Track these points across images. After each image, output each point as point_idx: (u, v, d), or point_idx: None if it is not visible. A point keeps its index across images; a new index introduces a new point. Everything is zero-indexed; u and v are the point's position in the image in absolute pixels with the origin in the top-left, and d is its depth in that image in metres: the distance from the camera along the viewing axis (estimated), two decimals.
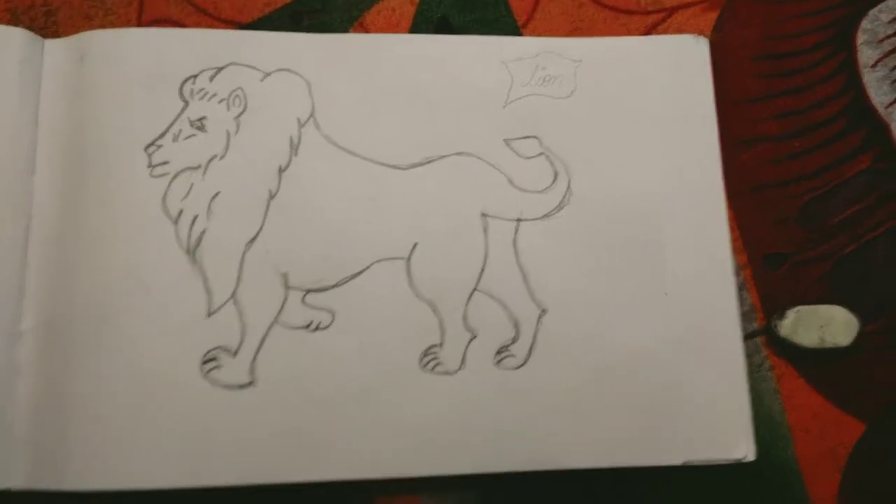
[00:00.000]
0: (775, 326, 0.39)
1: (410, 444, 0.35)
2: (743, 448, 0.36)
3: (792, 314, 0.40)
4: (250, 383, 0.35)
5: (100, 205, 0.36)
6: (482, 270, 0.37)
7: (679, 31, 0.43)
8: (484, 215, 0.38)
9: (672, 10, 0.43)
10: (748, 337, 0.39)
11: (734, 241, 0.40)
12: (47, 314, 0.35)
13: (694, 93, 0.40)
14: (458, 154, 0.39)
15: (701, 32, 0.42)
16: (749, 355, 0.38)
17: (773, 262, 0.41)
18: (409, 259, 0.37)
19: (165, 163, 0.37)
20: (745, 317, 0.39)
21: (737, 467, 0.37)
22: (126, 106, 0.37)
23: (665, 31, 0.43)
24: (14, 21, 0.40)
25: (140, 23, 0.41)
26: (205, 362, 0.35)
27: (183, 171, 0.37)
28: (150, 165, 0.37)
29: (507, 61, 0.40)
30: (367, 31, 0.42)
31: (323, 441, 0.35)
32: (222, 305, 0.36)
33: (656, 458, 0.36)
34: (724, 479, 0.38)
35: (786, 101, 0.43)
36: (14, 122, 0.37)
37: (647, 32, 0.43)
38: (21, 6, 0.41)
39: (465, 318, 0.37)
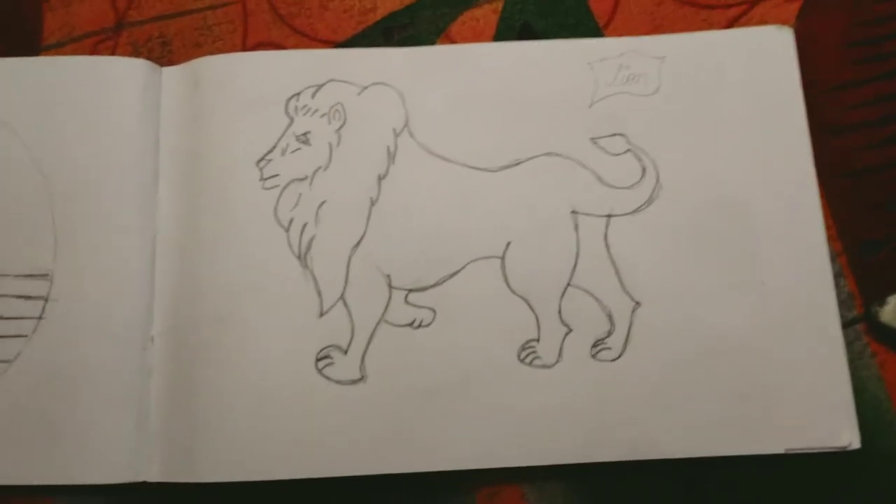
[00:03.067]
0: (876, 313, 0.38)
1: (511, 436, 0.35)
2: (847, 435, 0.35)
3: (893, 300, 0.38)
4: (361, 379, 0.36)
5: (217, 217, 0.37)
6: (575, 266, 0.37)
7: (761, 22, 0.41)
8: (574, 212, 0.38)
9: (753, 3, 0.42)
10: (847, 324, 0.38)
11: (828, 228, 0.38)
12: (174, 319, 0.37)
13: (780, 83, 0.39)
14: (547, 154, 0.38)
15: (784, 23, 0.41)
16: (849, 343, 0.37)
17: (870, 249, 0.39)
18: (503, 257, 0.37)
19: (276, 175, 0.38)
20: (844, 304, 0.38)
21: (841, 456, 0.35)
22: (237, 125, 0.38)
23: (747, 24, 0.41)
24: (135, 53, 0.42)
25: (245, 47, 0.42)
26: (319, 360, 0.36)
27: (291, 182, 0.38)
28: (262, 178, 0.38)
29: (591, 62, 0.39)
30: (453, 41, 0.42)
31: (428, 433, 0.35)
32: (332, 306, 0.36)
33: (757, 446, 0.35)
34: (827, 468, 0.36)
35: (878, 86, 0.41)
36: (139, 144, 0.38)
37: (729, 26, 0.42)
38: (140, 39, 0.43)
39: (560, 312, 0.37)
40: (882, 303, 0.38)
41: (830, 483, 0.37)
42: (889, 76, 0.41)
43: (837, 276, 0.38)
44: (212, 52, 0.41)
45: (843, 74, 0.41)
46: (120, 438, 0.35)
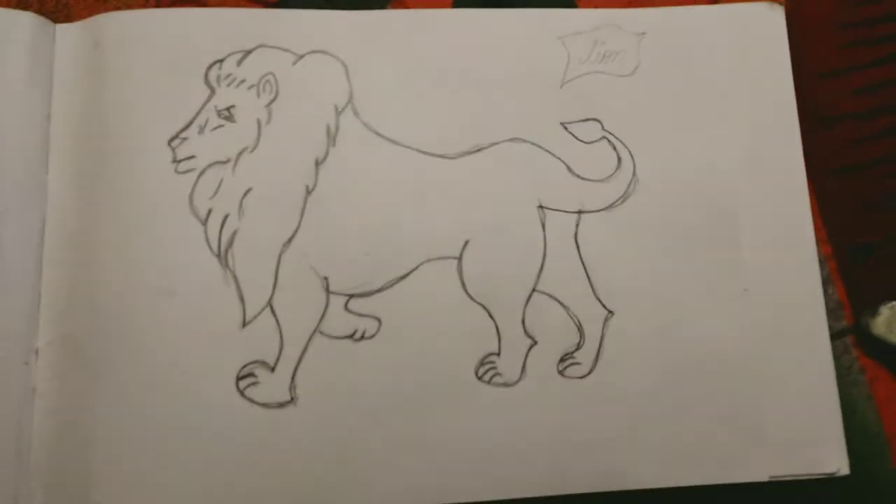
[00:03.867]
0: (866, 324, 0.36)
1: (469, 465, 0.33)
2: (835, 461, 0.33)
3: (885, 310, 0.36)
4: (291, 401, 0.33)
5: (120, 205, 0.34)
6: (541, 269, 0.34)
7: None
8: (541, 207, 0.35)
9: None
10: (836, 336, 0.36)
11: (817, 230, 0.36)
12: (65, 328, 0.33)
13: (769, 66, 0.37)
14: (512, 140, 0.36)
15: None
16: (837, 357, 0.35)
17: (861, 253, 0.37)
18: (460, 258, 0.34)
19: (192, 157, 0.34)
20: (832, 314, 0.36)
21: (828, 483, 0.34)
22: (146, 95, 0.34)
23: None
24: (22, 5, 0.37)
25: (159, 3, 0.38)
26: (240, 378, 0.33)
27: (211, 165, 0.34)
28: (175, 160, 0.34)
29: (562, 36, 0.37)
30: (406, 6, 0.38)
31: (370, 465, 0.32)
32: (258, 314, 0.33)
33: (739, 474, 0.33)
34: (814, 496, 0.34)
35: (872, 73, 0.39)
36: (24, 115, 0.34)
37: (716, 1, 0.39)
38: None
39: (524, 322, 0.34)
40: (874, 313, 0.36)
41: None
42: (881, 63, 0.39)
43: (825, 282, 0.36)
44: (118, 9, 0.37)
45: (834, 60, 0.39)
46: None
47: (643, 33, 0.37)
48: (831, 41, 0.39)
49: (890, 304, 0.35)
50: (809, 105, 0.37)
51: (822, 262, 0.36)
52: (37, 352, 0.33)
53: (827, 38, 0.39)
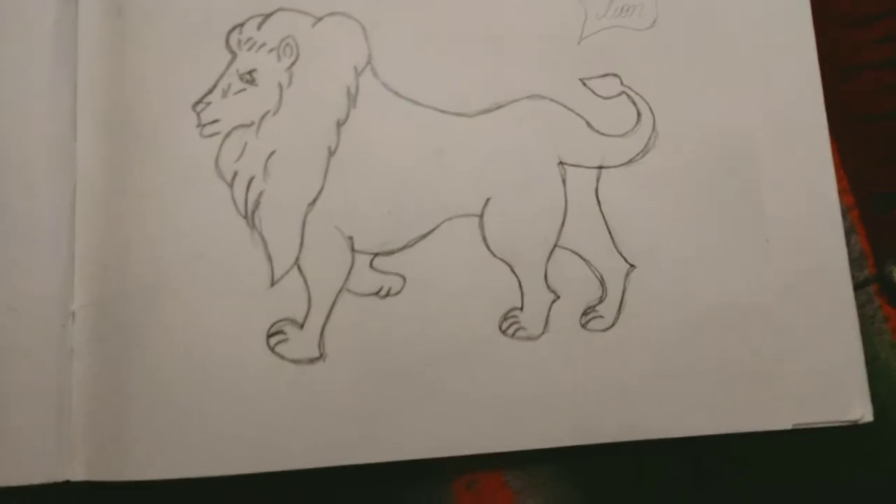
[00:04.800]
0: (890, 273, 0.35)
1: (491, 418, 0.33)
2: (858, 408, 0.33)
3: None
4: (320, 357, 0.33)
5: (148, 170, 0.33)
6: (562, 224, 0.34)
7: None
8: (562, 164, 0.35)
9: None
10: (859, 286, 0.36)
11: (839, 181, 0.35)
12: (99, 291, 0.33)
13: (789, 15, 0.36)
14: (530, 97, 0.35)
15: None
16: (860, 306, 0.35)
17: (884, 203, 0.36)
18: (481, 215, 0.34)
19: (216, 121, 0.34)
20: (855, 264, 0.35)
21: (852, 430, 0.33)
22: (169, 61, 0.34)
23: None
24: None
25: None
26: (270, 336, 0.33)
27: (235, 129, 0.34)
28: (200, 125, 0.34)
29: None
30: None
31: (398, 418, 0.32)
32: (285, 273, 0.33)
33: (762, 422, 0.33)
34: (838, 443, 0.34)
35: (893, 21, 0.37)
36: (51, 84, 0.34)
37: None
38: None
39: (546, 277, 0.34)
40: None
41: (841, 459, 0.34)
42: None
43: (848, 232, 0.36)
44: None
45: (856, 8, 0.38)
46: (37, 432, 0.32)
47: None
48: None
49: None
50: (832, 54, 0.36)
51: (844, 213, 0.35)
52: (73, 315, 0.33)
53: None
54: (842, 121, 0.36)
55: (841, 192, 0.35)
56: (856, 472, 0.34)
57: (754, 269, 0.34)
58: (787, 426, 0.33)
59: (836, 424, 0.33)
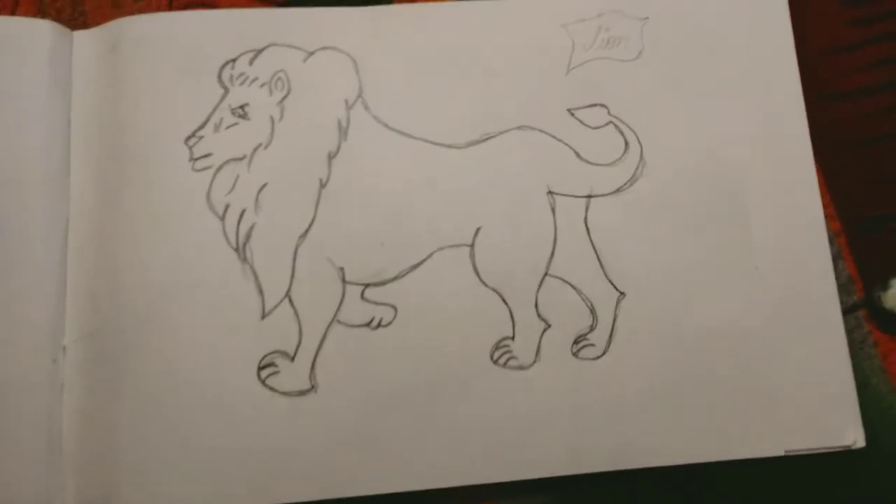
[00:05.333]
0: (878, 298, 0.35)
1: (483, 448, 0.32)
2: (850, 434, 0.33)
3: None
4: (311, 389, 0.33)
5: (140, 203, 0.34)
6: (552, 253, 0.34)
7: None
8: (551, 193, 0.35)
9: None
10: (848, 311, 0.35)
11: (825, 206, 0.35)
12: (90, 325, 0.33)
13: (772, 45, 0.37)
14: (520, 128, 0.35)
15: None
16: (849, 331, 0.35)
17: (871, 227, 0.36)
18: (472, 245, 0.34)
19: (208, 155, 0.34)
20: (843, 289, 0.35)
21: (844, 456, 0.33)
22: (163, 96, 0.34)
23: None
24: (41, 13, 0.37)
25: (171, 7, 0.38)
26: (261, 368, 0.33)
27: (227, 162, 0.34)
28: (192, 158, 0.34)
29: (566, 24, 0.36)
30: (411, 0, 0.38)
31: (390, 449, 0.32)
32: (277, 305, 0.33)
33: (754, 449, 0.33)
34: (830, 470, 0.34)
35: (879, 48, 0.38)
36: (46, 121, 0.34)
37: None
38: None
39: (537, 306, 0.34)
40: (885, 286, 0.35)
41: (834, 485, 0.34)
42: (889, 38, 0.38)
43: (836, 258, 0.36)
44: (133, 13, 0.36)
45: (840, 36, 0.38)
46: (27, 464, 0.31)
47: (646, 18, 0.36)
48: (837, 18, 0.38)
49: None
50: (816, 82, 0.37)
51: (831, 238, 0.35)
52: (64, 349, 0.32)
53: (832, 15, 0.38)
54: (827, 148, 0.36)
55: (828, 217, 0.35)
56: (848, 498, 0.33)
57: (743, 296, 0.34)
58: (780, 453, 0.32)
59: (829, 450, 0.33)
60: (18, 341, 0.32)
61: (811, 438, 0.33)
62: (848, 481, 0.34)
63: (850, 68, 0.38)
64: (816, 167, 0.35)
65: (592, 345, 0.33)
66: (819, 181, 0.35)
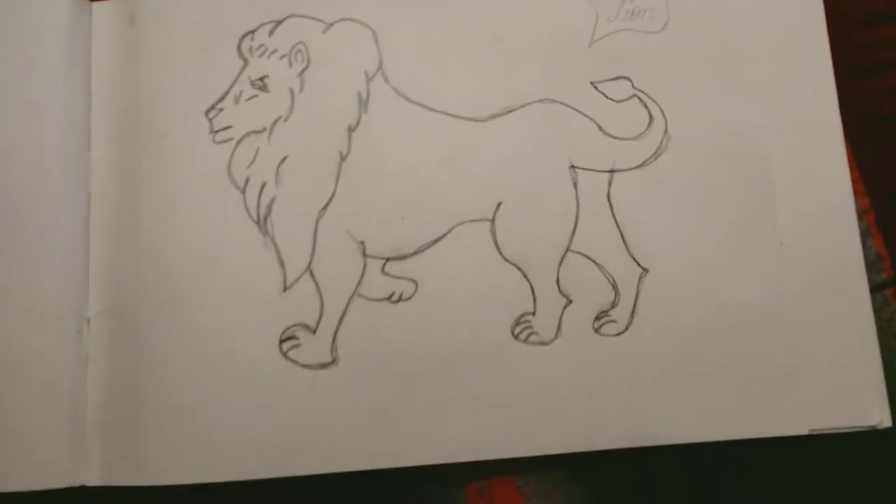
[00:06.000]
0: None
1: (504, 423, 0.32)
2: (876, 414, 0.33)
3: None
4: (332, 362, 0.33)
5: (161, 176, 0.34)
6: (574, 228, 0.34)
7: None
8: (573, 167, 0.34)
9: None
10: (875, 289, 0.35)
11: (854, 183, 0.35)
12: (113, 297, 0.33)
13: (802, 17, 0.36)
14: (541, 101, 0.35)
15: None
16: (877, 310, 0.34)
17: None
18: (493, 220, 0.34)
19: (228, 127, 0.34)
20: (871, 267, 0.35)
21: (869, 436, 0.33)
22: (182, 68, 0.34)
23: None
24: None
25: None
26: (283, 341, 0.33)
27: (247, 135, 0.34)
28: (213, 131, 0.34)
29: None
30: None
31: (410, 423, 0.32)
32: (298, 279, 0.33)
33: (778, 427, 0.32)
34: (855, 449, 0.34)
35: None
36: (65, 94, 0.34)
37: None
38: None
39: (558, 281, 0.34)
40: None
41: (858, 465, 0.34)
42: None
43: (864, 235, 0.35)
44: None
45: (872, 8, 0.37)
46: (53, 437, 0.32)
47: None
48: None
49: None
50: (847, 56, 0.36)
51: (859, 215, 0.35)
52: (88, 321, 0.33)
53: None
54: (857, 122, 0.36)
55: (856, 194, 0.35)
56: (872, 480, 0.33)
57: (768, 273, 0.33)
58: (804, 432, 0.32)
59: (854, 430, 0.32)
60: (43, 313, 0.32)
61: (836, 418, 0.32)
62: (873, 461, 0.33)
63: (883, 42, 0.37)
64: (846, 142, 0.35)
65: (614, 321, 0.33)
66: (848, 156, 0.34)
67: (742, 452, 0.33)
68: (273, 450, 0.32)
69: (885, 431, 0.32)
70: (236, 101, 0.34)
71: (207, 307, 0.33)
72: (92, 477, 0.32)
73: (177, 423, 0.32)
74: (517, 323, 0.33)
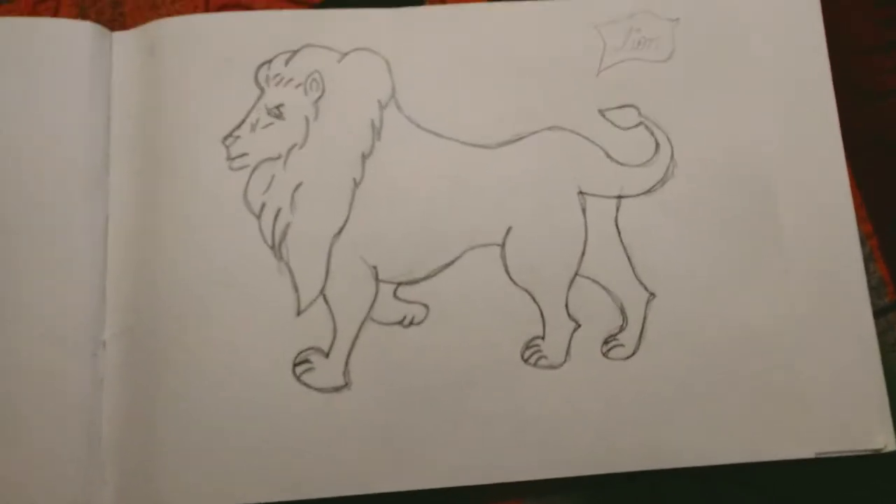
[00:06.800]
0: None
1: (515, 446, 0.32)
2: (881, 437, 0.33)
3: None
4: (345, 385, 0.33)
5: (178, 202, 0.34)
6: (583, 253, 0.34)
7: None
8: (582, 193, 0.35)
9: None
10: (879, 314, 0.35)
11: (857, 208, 0.35)
12: (129, 320, 0.33)
13: (804, 46, 0.36)
14: (550, 128, 0.35)
15: None
16: (881, 334, 0.34)
17: None
18: (503, 245, 0.34)
19: (244, 154, 0.34)
20: (874, 292, 0.35)
21: (874, 459, 0.33)
22: (200, 96, 0.35)
23: None
24: (81, 15, 0.38)
25: (208, 9, 0.38)
26: (296, 364, 0.33)
27: (263, 162, 0.34)
28: (229, 158, 0.34)
29: (597, 25, 0.36)
30: (444, 2, 0.38)
31: (422, 445, 0.32)
32: (312, 303, 0.33)
33: (784, 451, 0.33)
34: (860, 472, 0.34)
35: None
36: (86, 119, 0.35)
37: None
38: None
39: (567, 305, 0.34)
40: None
41: (864, 488, 0.34)
42: None
43: (867, 260, 0.36)
44: (170, 15, 0.37)
45: (872, 37, 0.38)
46: (67, 458, 0.32)
47: (677, 19, 0.36)
48: (871, 18, 0.38)
49: None
50: (849, 81, 0.36)
51: (862, 240, 0.35)
52: (104, 343, 0.33)
53: (866, 15, 0.38)
54: (859, 147, 0.36)
55: (859, 219, 0.35)
56: (878, 502, 0.33)
57: (774, 297, 0.34)
58: (811, 454, 0.32)
59: (860, 453, 0.32)
60: (59, 335, 0.32)
61: (842, 441, 0.32)
62: (878, 484, 0.33)
63: (883, 68, 0.37)
64: (848, 168, 0.35)
65: (622, 345, 0.33)
66: (851, 182, 0.35)
67: (751, 475, 0.33)
68: (287, 473, 0.32)
69: (891, 455, 0.32)
70: (252, 128, 0.34)
71: (222, 330, 0.33)
72: (106, 500, 0.32)
73: (191, 446, 0.32)
74: (527, 347, 0.33)
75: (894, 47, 0.38)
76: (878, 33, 0.38)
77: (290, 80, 0.35)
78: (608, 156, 0.35)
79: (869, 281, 0.34)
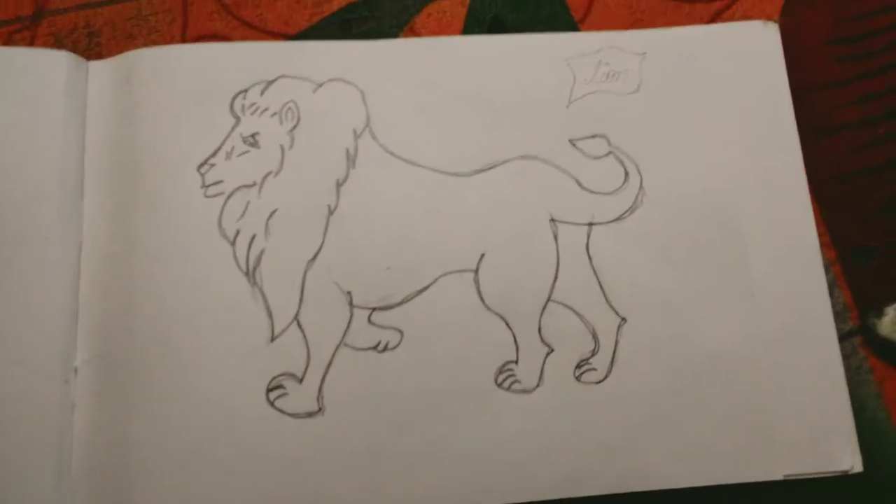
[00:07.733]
0: (873, 325, 0.36)
1: (487, 470, 0.32)
2: (848, 459, 0.33)
3: (891, 311, 0.36)
4: (319, 411, 0.33)
5: (153, 228, 0.34)
6: (555, 279, 0.35)
7: (745, 17, 0.39)
8: (553, 221, 0.35)
9: None
10: (844, 338, 0.36)
11: (820, 236, 0.36)
12: (102, 346, 0.33)
13: (767, 81, 0.37)
14: (523, 158, 0.36)
15: (768, 18, 0.39)
16: (846, 358, 0.35)
17: (864, 257, 0.37)
18: (476, 270, 0.34)
19: (219, 182, 0.34)
20: (839, 317, 0.36)
21: (841, 480, 0.33)
22: (176, 125, 0.35)
23: (730, 19, 0.39)
24: (57, 44, 0.38)
25: (184, 39, 0.38)
26: (270, 390, 0.33)
27: (238, 189, 0.35)
28: (204, 185, 0.35)
29: (567, 59, 0.37)
30: (418, 35, 0.39)
31: (395, 471, 0.32)
32: (285, 329, 0.33)
33: (754, 473, 0.33)
34: (828, 494, 0.34)
35: (866, 84, 0.39)
36: (61, 147, 0.35)
37: (712, 20, 0.39)
38: (63, 28, 0.38)
39: (540, 330, 0.34)
40: (879, 314, 0.36)
41: None
42: (875, 74, 0.39)
43: (831, 286, 0.36)
44: (147, 45, 0.37)
45: (829, 73, 0.39)
46: (38, 486, 0.32)
47: (644, 53, 0.37)
48: (826, 55, 0.39)
49: (895, 305, 0.36)
50: (808, 117, 0.37)
51: (826, 267, 0.36)
52: (76, 370, 0.33)
53: (822, 53, 0.39)
54: (819, 179, 0.37)
55: (823, 246, 0.36)
56: None
57: (741, 322, 0.34)
58: (779, 477, 0.33)
59: (827, 475, 0.33)
60: (31, 361, 0.32)
61: (809, 463, 0.33)
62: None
63: (843, 103, 0.39)
64: (812, 198, 0.36)
65: (594, 369, 0.34)
66: (814, 211, 0.36)
67: (720, 498, 0.33)
68: (260, 498, 0.31)
69: (857, 476, 0.33)
70: (228, 156, 0.34)
71: (195, 357, 0.33)
72: None
73: (163, 472, 0.32)
74: (500, 371, 0.33)
75: (845, 84, 0.39)
76: (832, 70, 0.39)
77: (266, 109, 0.35)
78: (579, 184, 0.35)
79: (833, 306, 0.35)
